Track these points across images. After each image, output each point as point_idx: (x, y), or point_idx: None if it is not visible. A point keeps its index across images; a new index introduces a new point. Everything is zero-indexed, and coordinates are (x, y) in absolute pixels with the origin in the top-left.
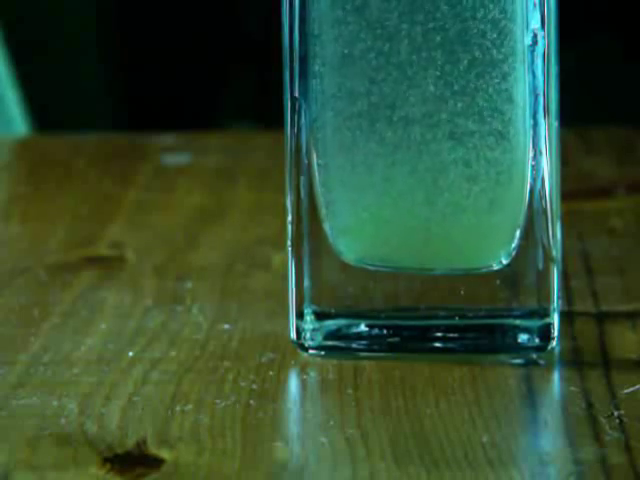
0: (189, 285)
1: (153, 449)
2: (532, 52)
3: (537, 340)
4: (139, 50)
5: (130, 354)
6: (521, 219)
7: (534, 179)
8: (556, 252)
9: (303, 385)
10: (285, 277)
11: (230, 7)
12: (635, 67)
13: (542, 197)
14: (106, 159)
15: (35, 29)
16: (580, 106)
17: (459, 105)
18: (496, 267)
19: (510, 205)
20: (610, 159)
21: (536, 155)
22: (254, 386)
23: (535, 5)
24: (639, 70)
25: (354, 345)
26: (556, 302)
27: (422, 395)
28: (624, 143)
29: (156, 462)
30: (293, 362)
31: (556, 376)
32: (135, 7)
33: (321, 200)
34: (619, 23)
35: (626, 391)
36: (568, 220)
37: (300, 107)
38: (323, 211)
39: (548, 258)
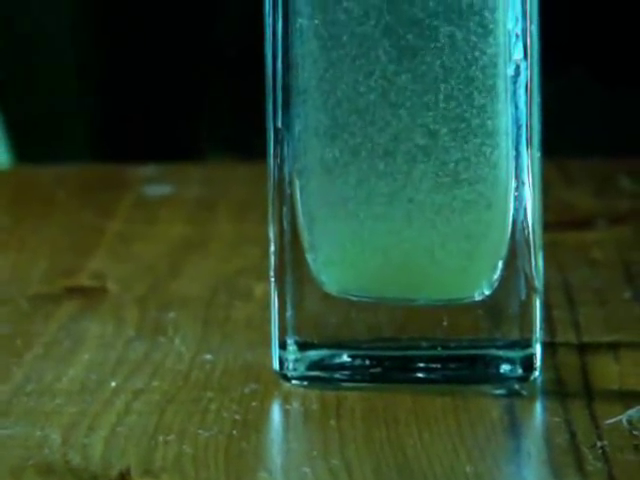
0: (171, 315)
1: (137, 479)
2: (514, 83)
3: (520, 370)
4: (122, 83)
5: (113, 384)
6: (504, 250)
7: (516, 210)
8: (539, 283)
9: (286, 415)
10: (267, 307)
11: (211, 36)
12: (612, 100)
13: (524, 228)
14: (87, 190)
15: (15, 61)
16: (559, 138)
17: (441, 136)
18: (478, 297)
19: (492, 236)
20: (590, 191)
21: (518, 186)
22: (237, 416)
23: (518, 36)
24: (616, 103)
25: (337, 375)
26: (538, 333)
27: (405, 425)
28: (603, 175)
29: None
30: (276, 392)
31: (539, 407)
32: (115, 39)
33: (304, 231)
34: (595, 56)
35: (609, 422)
36: (549, 251)
37: (283, 138)
38: (306, 242)
39: (531, 288)
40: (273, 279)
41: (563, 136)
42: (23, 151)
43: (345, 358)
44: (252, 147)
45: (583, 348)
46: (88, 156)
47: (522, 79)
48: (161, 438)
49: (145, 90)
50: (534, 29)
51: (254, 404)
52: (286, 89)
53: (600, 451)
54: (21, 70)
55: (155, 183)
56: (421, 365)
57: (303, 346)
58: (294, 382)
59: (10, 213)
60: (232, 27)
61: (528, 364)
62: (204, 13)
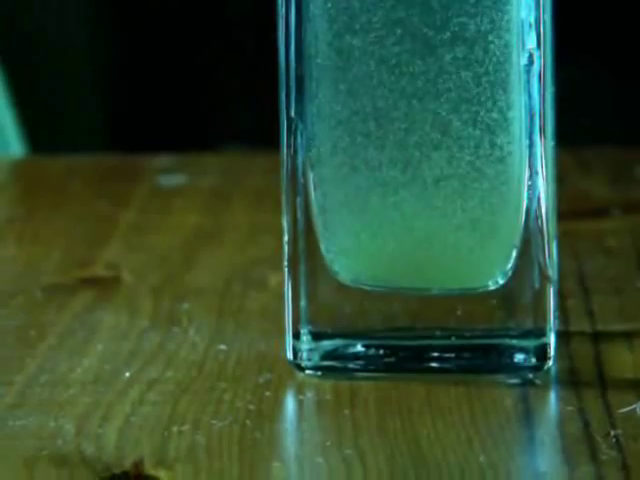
0: (186, 306)
1: (150, 469)
2: (528, 72)
3: (533, 360)
4: (135, 72)
5: (127, 375)
6: (517, 239)
7: (530, 199)
8: (552, 272)
9: (300, 405)
10: (282, 297)
11: (228, 27)
12: (626, 88)
13: (538, 217)
14: (102, 180)
15: (31, 54)
16: (574, 127)
17: (455, 126)
18: (492, 287)
19: (506, 225)
20: (605, 179)
21: (532, 175)
22: (251, 406)
23: (531, 25)
24: (631, 91)
25: (351, 365)
26: (552, 322)
27: (419, 415)
28: (619, 163)
29: None
30: (290, 382)
31: (553, 396)
32: (130, 29)
33: (317, 220)
34: (611, 46)
35: (622, 410)
36: (564, 240)
37: (296, 127)
38: (319, 231)
39: (544, 278)
40: (287, 269)
41: (578, 125)
42: (37, 141)
43: (359, 348)
44: (268, 137)
45: (597, 337)
46: (102, 146)
47: (535, 68)
48: (175, 428)
49: (160, 81)
50: (547, 18)
51: (268, 394)
52: (299, 78)
53: (614, 440)
54: (35, 61)
55: (170, 173)
56: (435, 355)
57: (317, 336)
58: (308, 372)
59: (24, 204)
60: (248, 17)
61: (542, 353)
62: (221, 4)
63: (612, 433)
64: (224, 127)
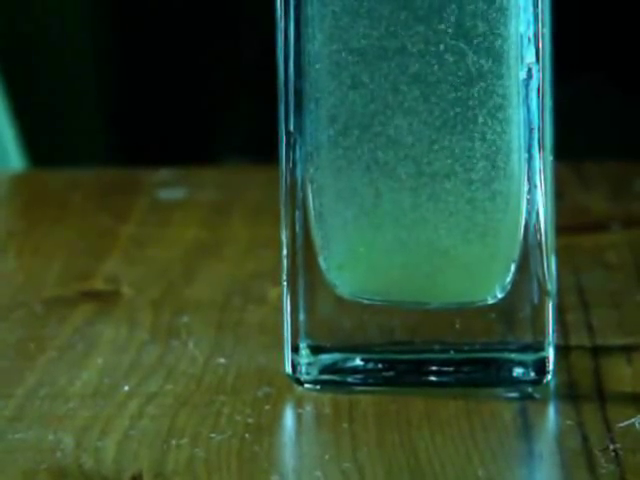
0: (185, 319)
1: None
2: (527, 86)
3: (532, 374)
4: (136, 80)
5: (126, 388)
6: (516, 253)
7: (529, 213)
8: (551, 286)
9: (299, 419)
10: (281, 311)
11: (229, 40)
12: (626, 101)
13: (537, 231)
14: (102, 194)
15: (32, 65)
16: (574, 141)
17: (454, 140)
18: (491, 301)
19: (505, 239)
20: (605, 193)
21: (531, 189)
22: (250, 420)
23: (529, 40)
24: (631, 104)
25: (349, 379)
26: (551, 336)
27: (417, 429)
28: (618, 178)
29: None
30: (289, 396)
31: (551, 410)
32: (132, 41)
33: (316, 234)
34: (613, 59)
35: (621, 424)
36: (563, 254)
37: (295, 142)
38: (318, 245)
39: (543, 292)
40: (285, 283)
41: (579, 139)
42: (37, 155)
43: (358, 362)
44: (268, 150)
45: (596, 351)
46: (103, 160)
47: (534, 82)
48: (174, 442)
49: (160, 92)
50: (546, 32)
51: (267, 408)
52: (298, 93)
53: (613, 454)
54: (36, 74)
55: (169, 187)
56: (434, 368)
57: (316, 350)
58: (307, 386)
59: (25, 217)
60: (250, 30)
61: (541, 367)
62: (222, 16)
63: (611, 447)
64: (224, 140)
